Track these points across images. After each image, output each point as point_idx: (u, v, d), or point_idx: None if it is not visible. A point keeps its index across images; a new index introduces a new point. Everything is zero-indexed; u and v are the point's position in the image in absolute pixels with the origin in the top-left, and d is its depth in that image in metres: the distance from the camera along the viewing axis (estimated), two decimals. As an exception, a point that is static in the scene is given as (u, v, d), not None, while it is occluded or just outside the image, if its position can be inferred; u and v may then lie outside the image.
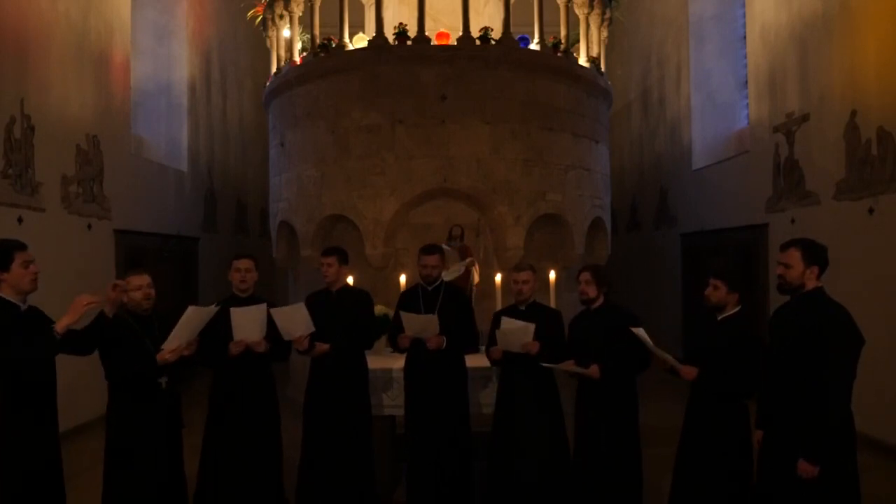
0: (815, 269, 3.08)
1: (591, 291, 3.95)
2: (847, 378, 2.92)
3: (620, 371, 3.84)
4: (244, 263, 4.19)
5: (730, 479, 3.40)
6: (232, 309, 3.93)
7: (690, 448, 3.57)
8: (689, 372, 3.50)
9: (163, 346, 3.52)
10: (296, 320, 4.08)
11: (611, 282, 4.04)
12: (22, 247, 3.23)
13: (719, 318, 3.52)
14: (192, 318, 3.59)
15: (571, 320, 4.17)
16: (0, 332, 3.05)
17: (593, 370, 3.80)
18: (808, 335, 2.97)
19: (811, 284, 3.08)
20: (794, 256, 3.08)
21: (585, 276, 3.98)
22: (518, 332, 3.93)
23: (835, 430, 2.91)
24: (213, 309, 3.76)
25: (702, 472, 3.48)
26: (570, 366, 3.90)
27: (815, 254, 3.08)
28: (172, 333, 3.54)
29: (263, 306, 4.04)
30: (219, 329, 3.87)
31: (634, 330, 3.62)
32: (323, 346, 4.21)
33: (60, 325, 3.11)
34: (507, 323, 4.00)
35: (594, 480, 3.87)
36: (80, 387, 5.28)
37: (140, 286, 3.64)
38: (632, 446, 3.90)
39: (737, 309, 3.50)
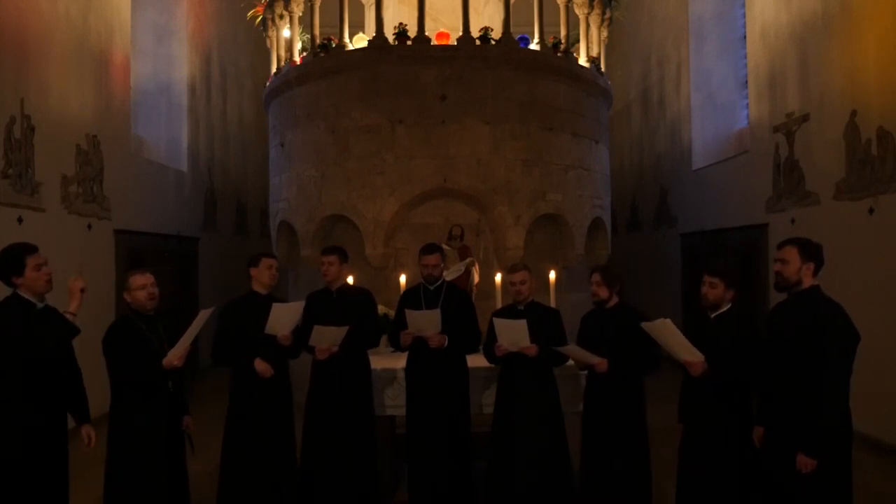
0: (812, 266, 3.18)
1: (603, 292, 3.98)
2: (843, 374, 3.00)
3: (629, 368, 3.84)
4: (275, 262, 4.34)
5: (733, 474, 3.43)
6: (274, 304, 4.10)
7: (692, 446, 3.60)
8: (699, 365, 3.47)
9: (170, 352, 3.49)
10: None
11: (622, 280, 4.06)
12: (32, 250, 3.24)
13: (713, 315, 3.59)
14: (204, 323, 3.58)
15: (583, 318, 4.17)
16: (16, 328, 3.12)
17: (601, 362, 3.82)
18: (805, 332, 3.07)
19: (808, 282, 3.18)
20: (792, 252, 3.20)
21: (595, 277, 4.01)
22: (513, 330, 3.94)
23: (832, 425, 2.99)
24: None
25: (705, 469, 3.50)
26: (581, 353, 3.91)
27: (811, 251, 3.20)
28: (183, 338, 3.51)
29: (301, 303, 4.25)
30: (245, 326, 4.03)
31: (646, 325, 3.60)
32: (333, 348, 4.22)
33: (73, 309, 3.29)
34: (500, 323, 4.01)
35: (603, 482, 3.87)
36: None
37: (143, 286, 3.58)
38: (641, 446, 3.90)
39: (729, 306, 3.58)
